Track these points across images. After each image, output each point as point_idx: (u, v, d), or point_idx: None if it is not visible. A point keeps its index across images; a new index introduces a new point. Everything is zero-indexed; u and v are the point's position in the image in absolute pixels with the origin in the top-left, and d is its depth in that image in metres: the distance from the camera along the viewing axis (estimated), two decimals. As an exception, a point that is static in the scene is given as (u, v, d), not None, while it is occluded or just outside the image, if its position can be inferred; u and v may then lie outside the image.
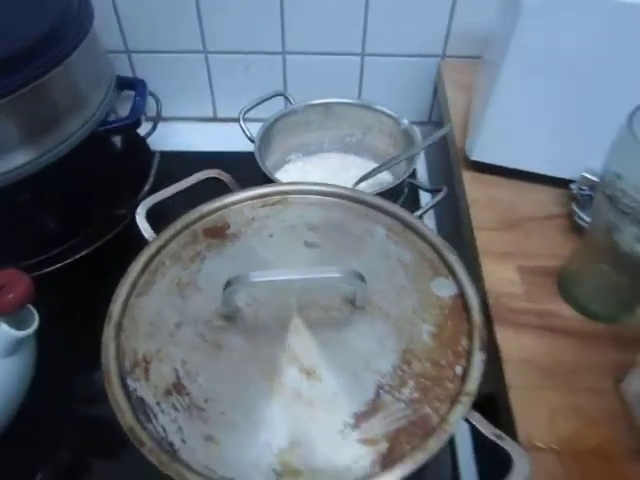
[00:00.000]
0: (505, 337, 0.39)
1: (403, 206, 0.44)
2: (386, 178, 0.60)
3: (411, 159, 0.55)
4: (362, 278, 0.33)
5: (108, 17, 0.64)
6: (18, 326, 0.37)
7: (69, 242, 0.49)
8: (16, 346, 0.38)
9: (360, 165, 0.64)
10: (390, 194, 0.50)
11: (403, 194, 0.57)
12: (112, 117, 0.53)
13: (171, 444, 0.29)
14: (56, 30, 0.41)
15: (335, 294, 0.35)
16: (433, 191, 0.54)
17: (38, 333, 0.44)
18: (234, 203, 0.42)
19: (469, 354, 0.33)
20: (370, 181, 0.57)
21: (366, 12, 0.63)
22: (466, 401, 0.30)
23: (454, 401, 0.30)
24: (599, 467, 0.32)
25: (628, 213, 0.32)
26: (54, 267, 0.48)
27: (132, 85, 0.54)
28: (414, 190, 0.61)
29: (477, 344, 0.33)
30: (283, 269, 0.34)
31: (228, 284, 0.32)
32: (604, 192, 0.34)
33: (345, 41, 0.65)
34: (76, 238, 0.50)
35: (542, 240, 0.45)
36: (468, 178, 0.51)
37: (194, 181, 0.44)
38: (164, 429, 0.29)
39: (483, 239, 0.46)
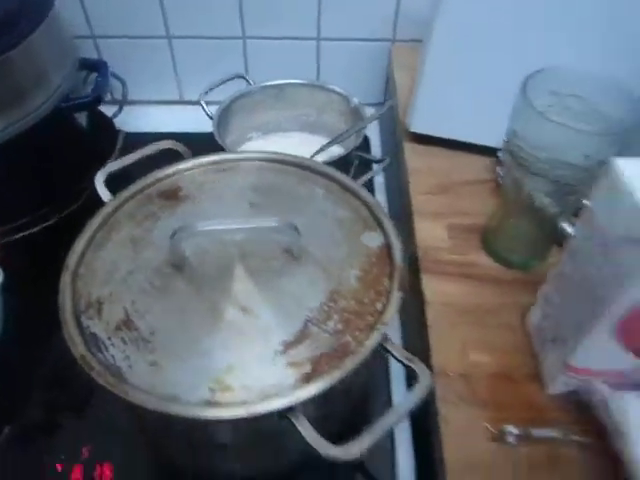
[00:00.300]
0: (429, 284, 0.43)
1: (355, 176, 0.48)
2: (339, 152, 0.64)
3: (359, 133, 0.59)
4: (296, 229, 0.37)
5: (73, 3, 0.67)
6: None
7: (35, 213, 0.52)
8: (-16, 299, 0.41)
9: (317, 142, 0.67)
10: (340, 164, 0.54)
11: (353, 165, 0.61)
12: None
13: (119, 369, 0.32)
14: (14, 13, 0.44)
15: (274, 245, 0.39)
16: (379, 161, 0.58)
17: (6, 295, 0.47)
18: (187, 169, 0.46)
19: (389, 293, 0.37)
20: (324, 155, 0.61)
21: (319, -2, 0.67)
22: (381, 328, 0.34)
23: (372, 330, 0.35)
24: (502, 388, 0.37)
25: (526, 166, 0.37)
26: (18, 235, 0.51)
27: (95, 66, 0.58)
28: (367, 163, 0.65)
29: (396, 284, 0.37)
30: (225, 219, 0.38)
31: (174, 233, 0.36)
32: (508, 149, 0.38)
33: (301, 26, 0.69)
34: (42, 209, 0.53)
35: (472, 202, 0.50)
36: (409, 149, 0.55)
37: (150, 151, 0.47)
38: (113, 358, 0.33)
39: (418, 201, 0.50)
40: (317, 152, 0.61)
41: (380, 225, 0.42)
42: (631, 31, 0.41)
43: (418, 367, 0.33)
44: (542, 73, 0.35)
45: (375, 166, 0.64)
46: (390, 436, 0.44)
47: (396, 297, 0.36)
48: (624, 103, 0.35)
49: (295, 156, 0.47)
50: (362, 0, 0.66)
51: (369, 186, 0.67)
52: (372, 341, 0.34)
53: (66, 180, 0.54)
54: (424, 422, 0.38)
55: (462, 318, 0.41)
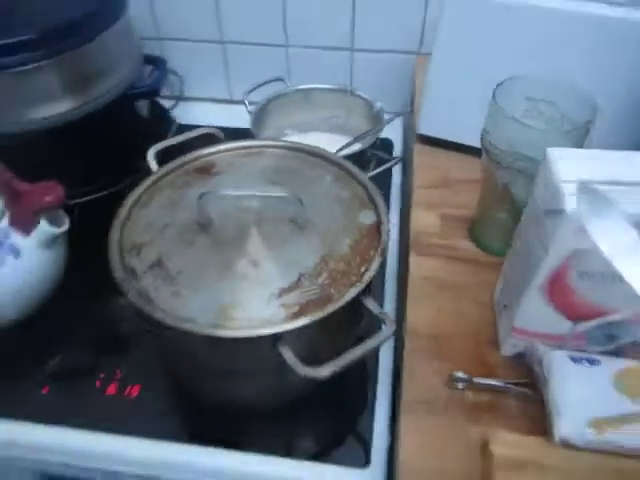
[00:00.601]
0: (416, 261, 0.49)
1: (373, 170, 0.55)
2: (356, 148, 0.71)
3: (376, 134, 0.66)
4: (300, 201, 0.45)
5: (144, 10, 0.78)
6: (54, 226, 0.51)
7: (101, 181, 0.63)
8: (52, 241, 0.51)
9: (344, 142, 0.75)
10: (357, 160, 0.61)
11: (371, 162, 0.68)
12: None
13: (149, 295, 0.41)
14: (90, 14, 0.55)
15: (284, 215, 0.47)
16: (390, 160, 0.65)
17: (73, 244, 0.57)
18: (221, 151, 0.54)
19: (372, 260, 0.44)
20: (346, 152, 0.69)
21: (353, 14, 0.75)
22: (359, 286, 0.41)
23: (352, 286, 0.42)
24: (463, 348, 0.43)
25: (497, 161, 0.43)
26: (87, 198, 0.62)
27: (155, 62, 0.68)
28: (384, 161, 0.72)
29: (379, 252, 0.44)
30: (244, 188, 0.46)
31: (201, 195, 0.45)
32: (483, 146, 0.44)
33: (337, 38, 0.78)
34: (107, 178, 0.63)
35: (466, 196, 0.55)
36: (418, 149, 0.62)
37: (194, 135, 0.56)
38: (145, 287, 0.41)
39: (420, 194, 0.57)
40: (340, 149, 0.69)
41: (375, 207, 0.49)
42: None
43: (386, 318, 0.40)
44: (511, 80, 0.42)
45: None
46: (373, 388, 0.51)
47: (377, 262, 0.43)
48: (584, 105, 0.40)
49: (311, 146, 0.54)
50: (392, 16, 0.74)
51: (387, 183, 0.74)
52: (350, 294, 0.41)
53: (127, 156, 0.64)
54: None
55: (440, 291, 0.47)
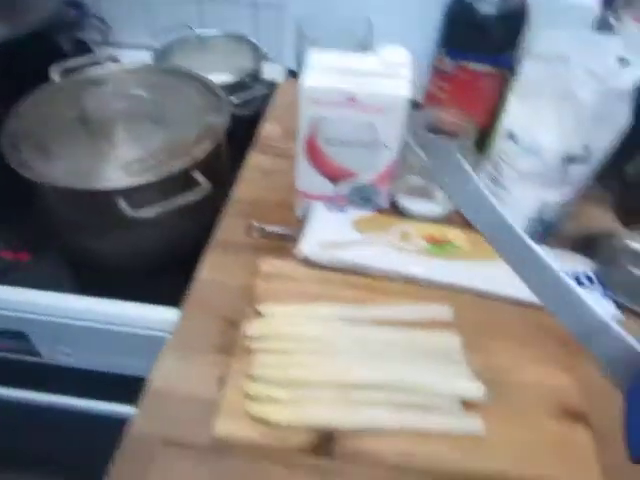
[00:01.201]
0: (253, 156, 0.62)
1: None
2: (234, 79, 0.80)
3: (255, 70, 0.77)
4: (155, 101, 0.57)
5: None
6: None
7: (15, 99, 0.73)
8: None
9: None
10: (235, 88, 0.72)
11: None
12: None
13: (28, 164, 0.52)
14: None
15: (145, 113, 0.58)
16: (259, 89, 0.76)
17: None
18: (112, 70, 0.66)
19: (205, 146, 0.56)
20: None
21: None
22: (187, 161, 0.53)
23: (184, 160, 0.53)
24: (272, 210, 0.55)
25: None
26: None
27: (77, 5, 0.79)
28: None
29: (212, 141, 0.56)
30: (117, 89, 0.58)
31: (83, 96, 0.56)
32: (296, 63, 0.56)
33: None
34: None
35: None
36: (286, 81, 0.74)
37: (93, 60, 0.67)
38: (26, 159, 0.53)
39: (272, 112, 0.69)
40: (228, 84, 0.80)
41: (223, 112, 0.60)
42: None
43: (203, 183, 0.51)
44: (315, 15, 0.54)
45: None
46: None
47: (207, 146, 0.55)
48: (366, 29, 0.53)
49: (186, 68, 0.66)
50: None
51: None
52: (179, 166, 0.52)
53: (46, 79, 0.75)
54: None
55: (265, 176, 0.59)
